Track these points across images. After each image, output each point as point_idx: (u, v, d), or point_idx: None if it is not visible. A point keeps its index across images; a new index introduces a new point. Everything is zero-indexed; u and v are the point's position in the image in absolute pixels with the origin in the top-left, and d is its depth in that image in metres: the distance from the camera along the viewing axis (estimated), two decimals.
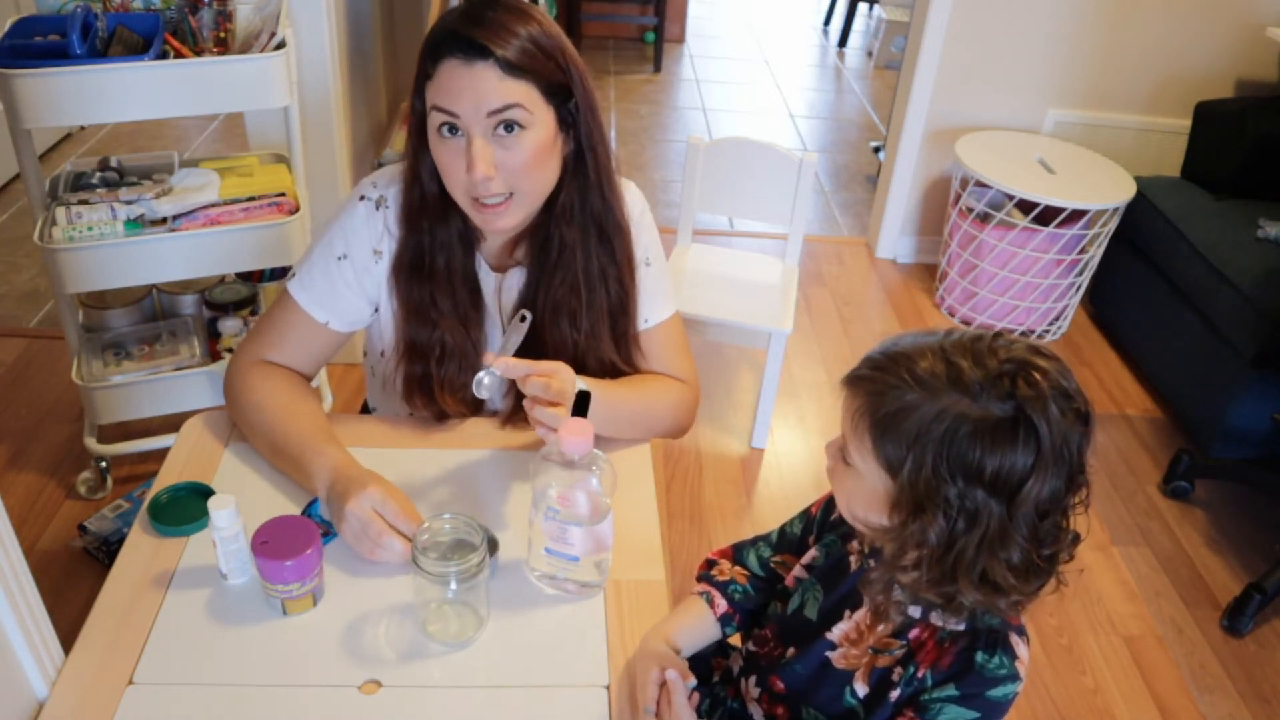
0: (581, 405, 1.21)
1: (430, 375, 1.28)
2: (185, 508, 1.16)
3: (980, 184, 2.91)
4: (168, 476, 1.22)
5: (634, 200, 1.32)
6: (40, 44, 1.80)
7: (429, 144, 1.17)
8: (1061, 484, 0.83)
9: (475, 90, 1.09)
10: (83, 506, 2.15)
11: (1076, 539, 0.89)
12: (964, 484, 0.82)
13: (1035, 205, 2.80)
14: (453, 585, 1.00)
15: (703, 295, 2.41)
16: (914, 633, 0.95)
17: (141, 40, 1.86)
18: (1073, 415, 0.83)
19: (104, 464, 2.18)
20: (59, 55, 1.75)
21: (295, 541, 1.03)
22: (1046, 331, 3.06)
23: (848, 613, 1.01)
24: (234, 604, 1.06)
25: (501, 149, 1.13)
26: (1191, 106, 2.99)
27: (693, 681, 0.99)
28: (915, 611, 0.94)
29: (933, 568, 0.86)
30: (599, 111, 1.21)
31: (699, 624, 1.11)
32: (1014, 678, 0.90)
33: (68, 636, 1.01)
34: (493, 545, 1.12)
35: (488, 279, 1.30)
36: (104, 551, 2.00)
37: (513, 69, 1.10)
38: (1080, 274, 2.96)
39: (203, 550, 1.12)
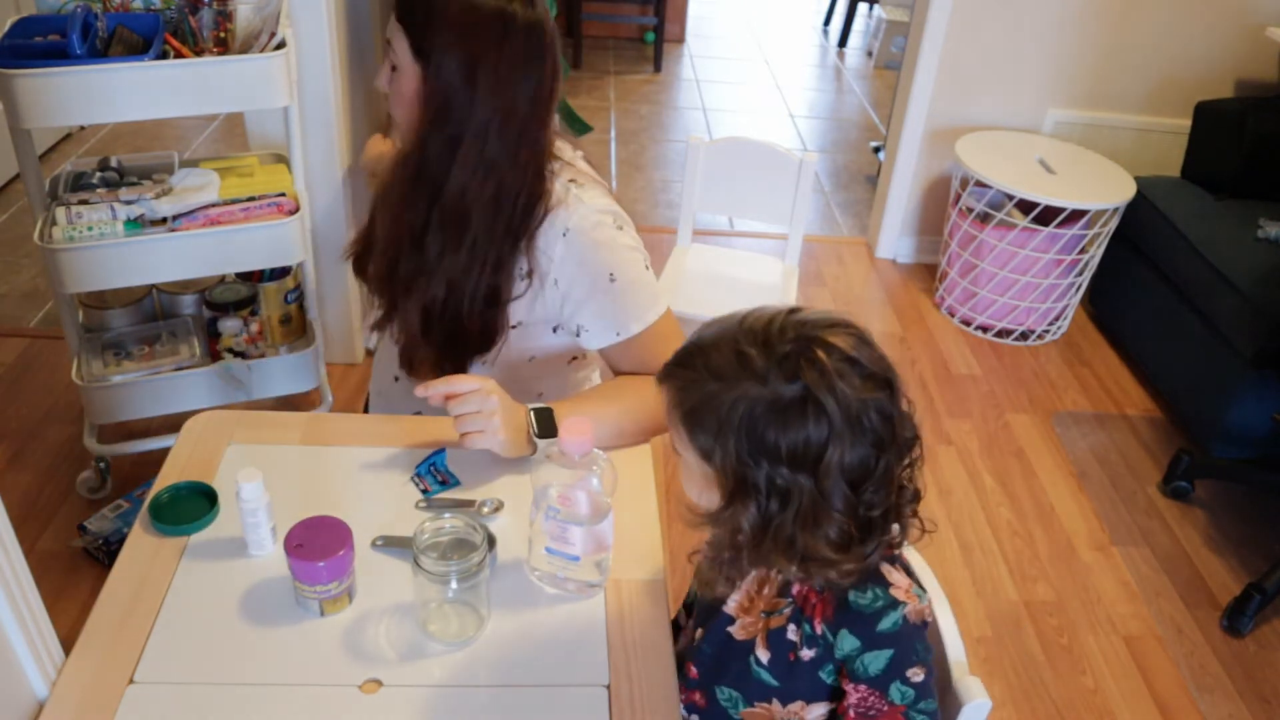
0: (547, 424, 1.22)
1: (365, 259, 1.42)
2: (185, 508, 1.16)
3: (980, 184, 2.91)
4: (168, 476, 1.22)
5: (586, 213, 1.29)
6: (40, 44, 1.80)
7: None
8: (868, 450, 0.87)
9: (392, 20, 1.25)
10: (83, 506, 2.14)
11: (916, 496, 0.94)
12: (769, 464, 0.86)
13: (1035, 205, 2.80)
14: (453, 585, 1.00)
15: (703, 295, 2.41)
16: (796, 588, 0.97)
17: (141, 40, 1.86)
18: (868, 383, 0.86)
19: (104, 464, 2.18)
20: (59, 55, 1.75)
21: (329, 542, 1.04)
22: (1046, 331, 3.06)
23: (738, 581, 1.02)
24: (235, 603, 1.06)
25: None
26: (1191, 106, 2.99)
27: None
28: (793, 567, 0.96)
29: (754, 547, 0.91)
30: (485, 110, 1.22)
31: None
32: (893, 605, 0.93)
33: (68, 636, 1.01)
34: (490, 542, 1.12)
35: None
36: (104, 551, 2.00)
37: (399, 15, 1.23)
38: (1080, 274, 2.96)
39: (203, 550, 1.12)
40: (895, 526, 0.94)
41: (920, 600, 0.94)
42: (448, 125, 1.24)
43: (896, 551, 0.96)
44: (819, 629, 0.95)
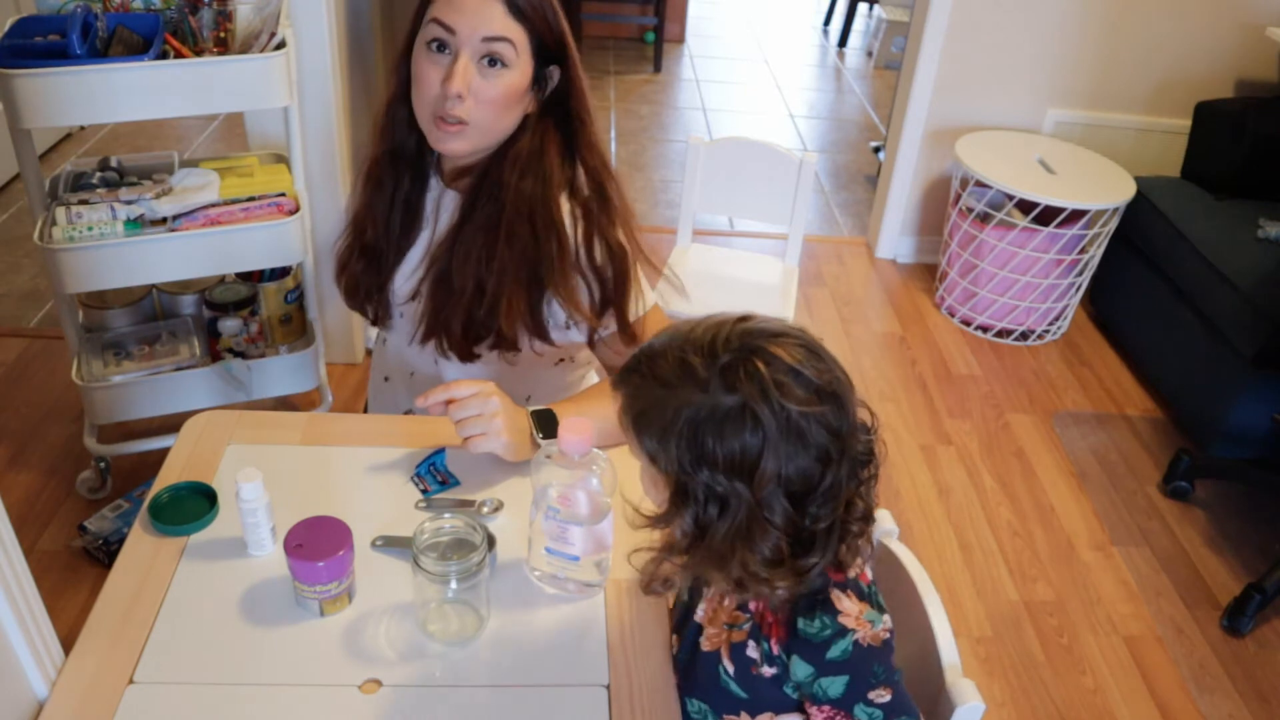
0: (549, 425, 1.22)
1: (350, 269, 1.40)
2: (185, 508, 1.16)
3: (980, 184, 2.91)
4: (168, 476, 1.22)
5: (573, 209, 1.31)
6: (40, 44, 1.80)
7: (412, 58, 1.24)
8: (811, 463, 0.86)
9: (479, 14, 1.19)
10: (83, 506, 2.15)
11: (867, 516, 0.93)
12: (709, 471, 0.87)
13: (1035, 205, 2.80)
14: (453, 585, 1.00)
15: (703, 295, 2.41)
16: (753, 604, 0.97)
17: (141, 40, 1.86)
18: (813, 396, 0.86)
19: (104, 464, 2.18)
20: (59, 55, 1.75)
21: (329, 542, 1.04)
22: (1046, 331, 3.06)
23: (705, 589, 1.03)
24: (234, 603, 1.06)
25: (480, 78, 1.21)
26: (1191, 106, 3.00)
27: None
28: None
29: (688, 554, 0.91)
30: (586, 92, 1.30)
31: None
32: (841, 633, 0.91)
33: (68, 636, 1.01)
34: (490, 542, 1.12)
35: (435, 186, 1.35)
36: (104, 551, 2.00)
37: (517, 11, 1.20)
38: (1080, 274, 2.96)
39: (203, 550, 1.12)
40: (843, 548, 0.92)
41: (875, 625, 0.92)
42: (570, 123, 1.28)
43: (852, 575, 0.94)
44: (776, 649, 0.95)
